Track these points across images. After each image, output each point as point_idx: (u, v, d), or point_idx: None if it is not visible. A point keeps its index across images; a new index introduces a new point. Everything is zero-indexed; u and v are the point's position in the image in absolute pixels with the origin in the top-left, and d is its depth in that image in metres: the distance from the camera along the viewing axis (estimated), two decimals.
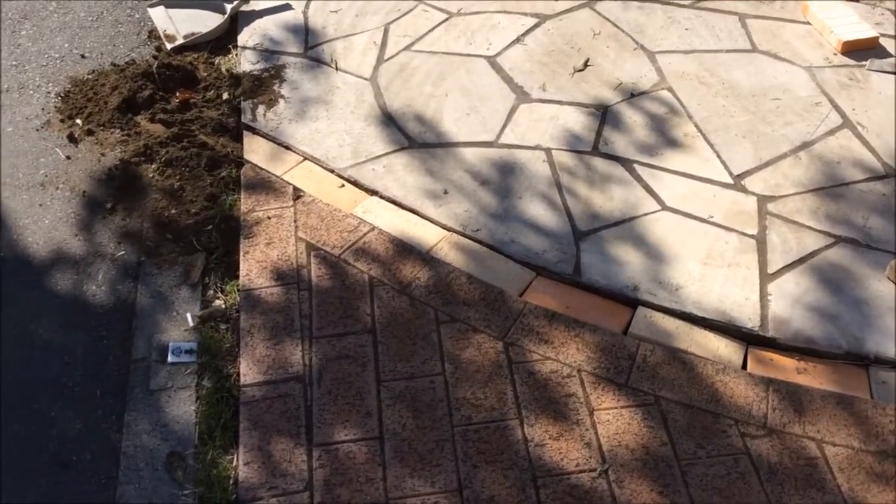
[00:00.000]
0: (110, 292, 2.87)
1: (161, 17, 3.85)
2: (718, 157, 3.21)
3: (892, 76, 3.51)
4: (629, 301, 2.78)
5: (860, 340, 2.65)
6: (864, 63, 3.57)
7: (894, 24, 3.78)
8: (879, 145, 3.24)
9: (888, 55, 3.60)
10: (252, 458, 2.39)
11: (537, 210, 3.03)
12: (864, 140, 3.26)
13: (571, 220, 3.00)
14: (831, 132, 3.30)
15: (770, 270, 2.83)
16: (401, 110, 3.42)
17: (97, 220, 3.08)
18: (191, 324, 2.77)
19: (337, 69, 3.62)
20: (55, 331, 2.74)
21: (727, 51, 3.68)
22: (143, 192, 3.14)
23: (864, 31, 3.63)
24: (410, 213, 3.06)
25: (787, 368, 2.61)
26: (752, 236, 2.94)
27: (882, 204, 3.03)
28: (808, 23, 3.79)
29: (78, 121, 3.42)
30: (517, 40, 3.74)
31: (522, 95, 3.48)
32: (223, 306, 2.82)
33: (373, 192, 3.13)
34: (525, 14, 3.89)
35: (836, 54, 3.63)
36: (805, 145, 3.25)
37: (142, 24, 3.93)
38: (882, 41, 3.66)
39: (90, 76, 3.61)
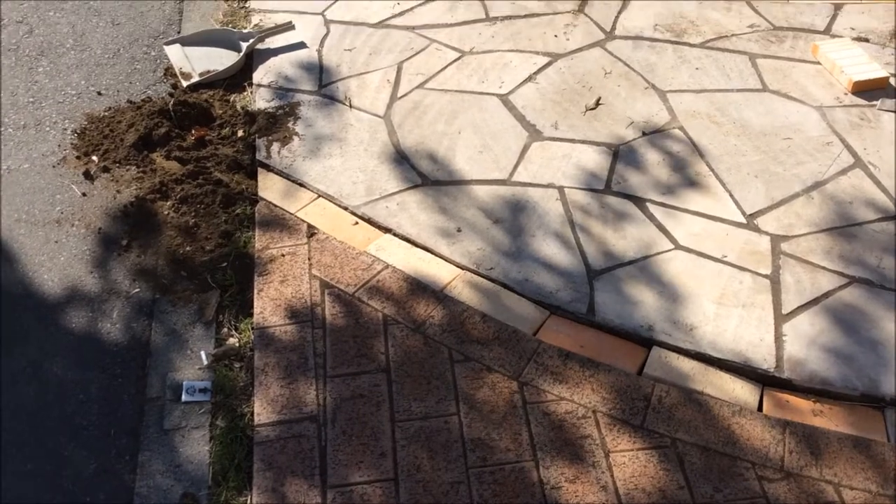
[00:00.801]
0: (125, 330, 2.87)
1: (177, 55, 3.90)
2: (731, 196, 3.22)
3: None
4: (643, 341, 2.78)
5: (876, 382, 2.64)
6: (874, 103, 3.59)
7: None
8: (891, 185, 3.24)
9: None
10: (266, 499, 2.38)
11: (550, 248, 3.04)
12: (876, 180, 3.27)
13: (585, 259, 3.00)
14: (843, 172, 3.31)
15: (784, 311, 2.83)
16: (414, 148, 3.45)
17: (112, 257, 3.09)
18: (205, 362, 2.78)
19: (351, 107, 3.65)
20: (70, 369, 2.75)
21: (738, 90, 3.70)
22: (159, 230, 3.16)
23: (874, 71, 3.65)
24: (424, 251, 3.07)
25: (804, 410, 2.60)
26: (765, 276, 2.94)
27: (895, 244, 3.03)
28: (819, 63, 3.82)
29: (94, 158, 3.45)
30: (529, 79, 3.77)
31: (535, 133, 3.50)
32: (237, 344, 2.82)
33: (386, 230, 3.14)
34: (537, 53, 3.92)
35: (846, 94, 3.65)
36: (817, 185, 3.26)
37: (158, 61, 3.97)
38: (893, 81, 3.68)
39: (106, 113, 3.65)
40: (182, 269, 3.03)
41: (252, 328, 2.82)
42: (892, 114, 3.55)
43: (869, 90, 3.64)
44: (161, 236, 3.13)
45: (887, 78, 3.66)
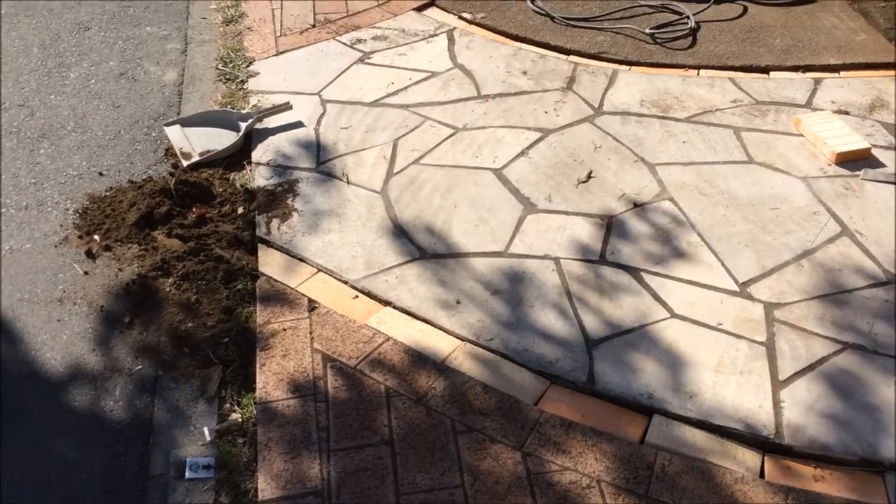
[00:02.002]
0: (128, 407, 2.88)
1: (177, 136, 3.98)
2: (723, 265, 3.29)
3: (887, 185, 3.63)
4: (644, 409, 2.80)
5: (874, 447, 2.67)
6: (858, 173, 3.70)
7: (885, 136, 3.94)
8: (879, 252, 3.33)
9: (881, 165, 3.74)
10: None
11: (549, 319, 3.09)
12: (863, 248, 3.35)
13: (583, 329, 3.05)
14: (831, 240, 3.39)
15: (781, 377, 2.87)
16: (411, 222, 3.51)
17: (114, 334, 3.11)
18: (208, 438, 2.78)
19: (348, 183, 3.73)
20: (73, 447, 2.74)
21: (724, 162, 3.81)
22: (160, 306, 3.19)
23: (856, 142, 3.78)
24: (424, 323, 3.11)
25: (805, 476, 2.62)
26: (761, 343, 2.99)
27: (885, 310, 3.10)
28: (801, 135, 3.95)
29: (96, 237, 3.49)
30: (522, 153, 3.87)
31: (529, 206, 3.58)
32: (240, 420, 2.83)
33: (386, 303, 3.18)
34: (528, 129, 4.03)
35: (830, 165, 3.76)
36: (806, 253, 3.33)
37: (158, 142, 4.05)
38: (874, 152, 3.80)
39: (108, 193, 3.71)
40: (184, 346, 3.05)
41: (254, 403, 2.83)
42: (876, 183, 3.65)
43: (852, 161, 3.76)
44: (163, 313, 3.16)
45: (869, 149, 3.78)
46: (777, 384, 2.85)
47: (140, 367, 3.01)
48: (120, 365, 3.01)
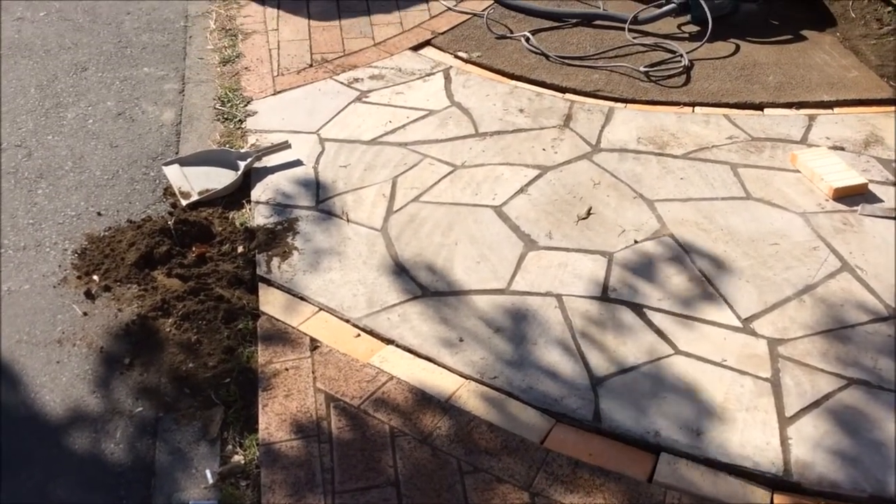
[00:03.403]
0: (129, 450, 2.84)
1: (176, 175, 3.98)
2: (725, 300, 3.29)
3: (885, 220, 3.65)
4: (651, 447, 2.78)
5: (883, 483, 2.66)
6: (855, 208, 3.72)
7: (880, 171, 3.97)
8: (879, 287, 3.34)
9: (878, 200, 3.77)
10: None
11: (553, 356, 3.07)
12: (864, 283, 3.36)
13: (587, 366, 3.04)
14: (831, 275, 3.40)
15: (787, 414, 2.86)
16: (412, 260, 3.51)
17: (115, 376, 3.08)
18: (210, 481, 2.74)
19: (348, 221, 3.72)
20: (74, 491, 2.69)
21: (722, 198, 3.83)
22: (161, 347, 3.16)
23: (853, 178, 3.81)
24: (427, 361, 3.09)
25: None
26: (766, 379, 2.98)
27: (888, 345, 3.10)
28: (798, 171, 3.98)
29: (95, 277, 3.47)
30: (521, 191, 3.89)
31: (530, 243, 3.58)
32: (243, 462, 2.79)
33: (389, 342, 3.17)
34: (527, 166, 4.05)
35: (827, 200, 3.79)
36: (807, 288, 3.34)
37: (157, 181, 4.05)
38: (871, 187, 3.83)
39: (107, 233, 3.69)
40: (185, 387, 3.02)
41: (257, 444, 2.80)
42: (874, 218, 3.68)
43: (849, 196, 3.78)
44: (164, 354, 3.13)
45: (866, 184, 3.81)
46: (784, 421, 2.84)
47: (141, 408, 2.97)
48: (120, 406, 2.98)
